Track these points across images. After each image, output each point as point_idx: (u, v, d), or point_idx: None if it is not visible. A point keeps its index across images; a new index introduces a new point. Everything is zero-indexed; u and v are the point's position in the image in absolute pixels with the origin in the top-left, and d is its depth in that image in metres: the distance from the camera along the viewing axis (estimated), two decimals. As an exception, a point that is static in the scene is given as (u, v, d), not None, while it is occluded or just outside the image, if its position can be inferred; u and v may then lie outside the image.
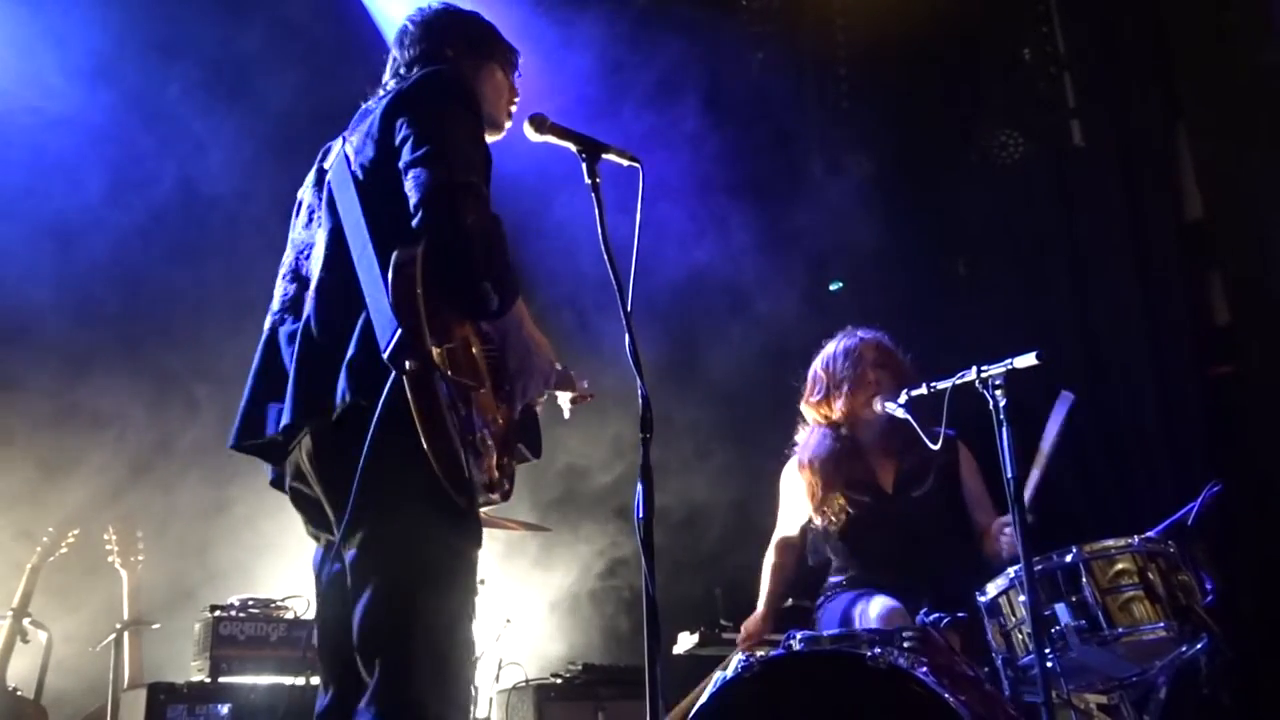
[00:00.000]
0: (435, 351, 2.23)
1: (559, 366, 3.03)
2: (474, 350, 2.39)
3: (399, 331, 2.20)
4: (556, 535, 5.48)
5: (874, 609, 3.70)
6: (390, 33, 2.94)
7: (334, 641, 2.44)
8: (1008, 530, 3.71)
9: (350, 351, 2.36)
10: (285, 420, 2.41)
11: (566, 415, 3.00)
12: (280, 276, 2.66)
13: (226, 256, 5.00)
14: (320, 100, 4.53)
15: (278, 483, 2.62)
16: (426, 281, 2.27)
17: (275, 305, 2.63)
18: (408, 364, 2.18)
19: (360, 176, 2.52)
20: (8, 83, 4.93)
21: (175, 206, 5.12)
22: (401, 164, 2.42)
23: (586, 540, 5.70)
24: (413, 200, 2.35)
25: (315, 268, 2.55)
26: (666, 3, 5.95)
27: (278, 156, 4.88)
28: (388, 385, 2.22)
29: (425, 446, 2.19)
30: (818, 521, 4.08)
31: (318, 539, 2.60)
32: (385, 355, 2.22)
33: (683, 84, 5.74)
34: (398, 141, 2.45)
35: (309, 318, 2.47)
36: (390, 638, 2.31)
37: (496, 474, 2.38)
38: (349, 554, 2.35)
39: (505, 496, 2.45)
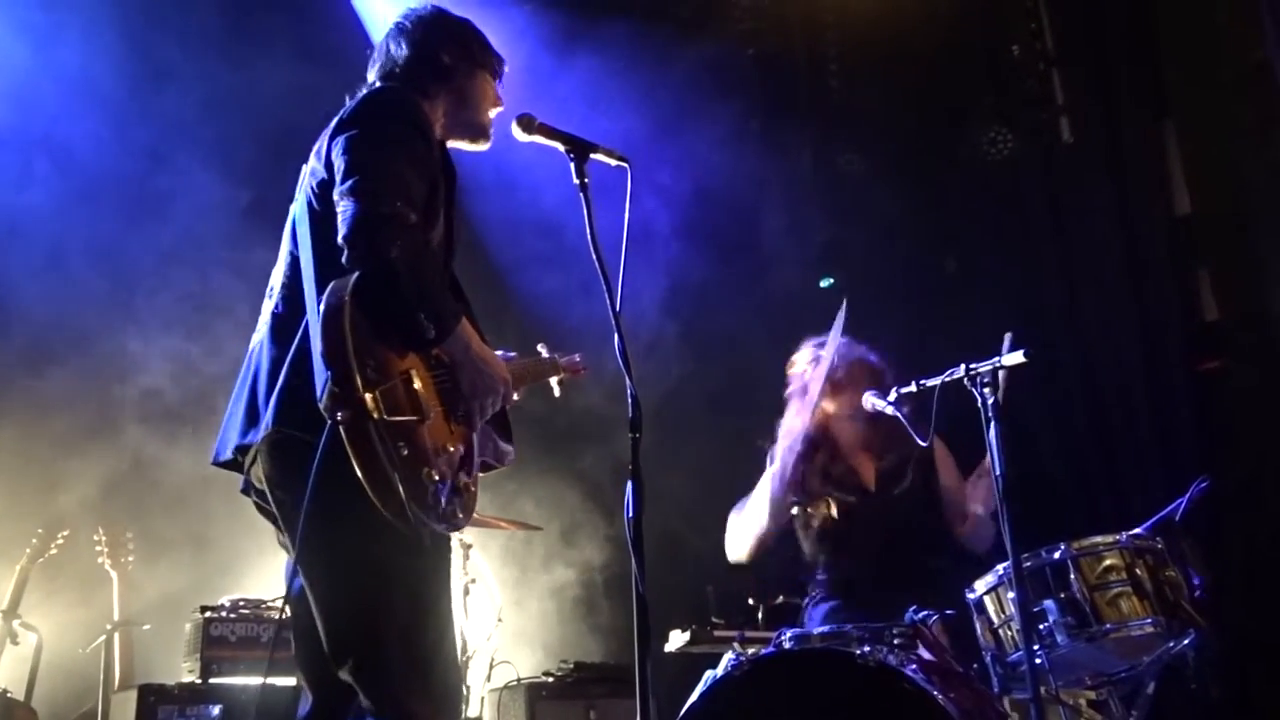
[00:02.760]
0: (369, 397, 2.23)
1: (545, 354, 3.07)
2: (416, 384, 2.36)
3: (328, 380, 2.22)
4: (547, 533, 5.49)
5: None
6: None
7: (309, 649, 2.49)
8: (981, 482, 3.81)
9: (280, 379, 2.40)
10: (234, 443, 2.48)
11: (557, 394, 3.01)
12: (265, 295, 2.67)
13: (223, 264, 4.99)
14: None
15: (247, 491, 2.65)
16: (360, 318, 2.27)
17: (258, 325, 2.65)
18: (339, 414, 2.20)
19: (314, 202, 2.54)
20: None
21: (176, 205, 5.10)
22: (335, 194, 2.41)
23: (577, 538, 5.71)
24: (340, 235, 2.34)
25: (275, 292, 2.58)
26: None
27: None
28: (322, 438, 2.24)
29: (365, 486, 2.22)
30: (800, 521, 4.11)
31: (287, 550, 2.63)
32: (320, 403, 2.23)
33: (672, 80, 5.74)
34: (336, 165, 2.45)
35: (263, 342, 2.52)
36: (359, 649, 2.35)
37: (444, 503, 2.35)
38: (303, 574, 2.41)
39: (457, 526, 2.43)
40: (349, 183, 2.38)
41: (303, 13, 5.43)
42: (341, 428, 2.21)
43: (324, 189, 2.50)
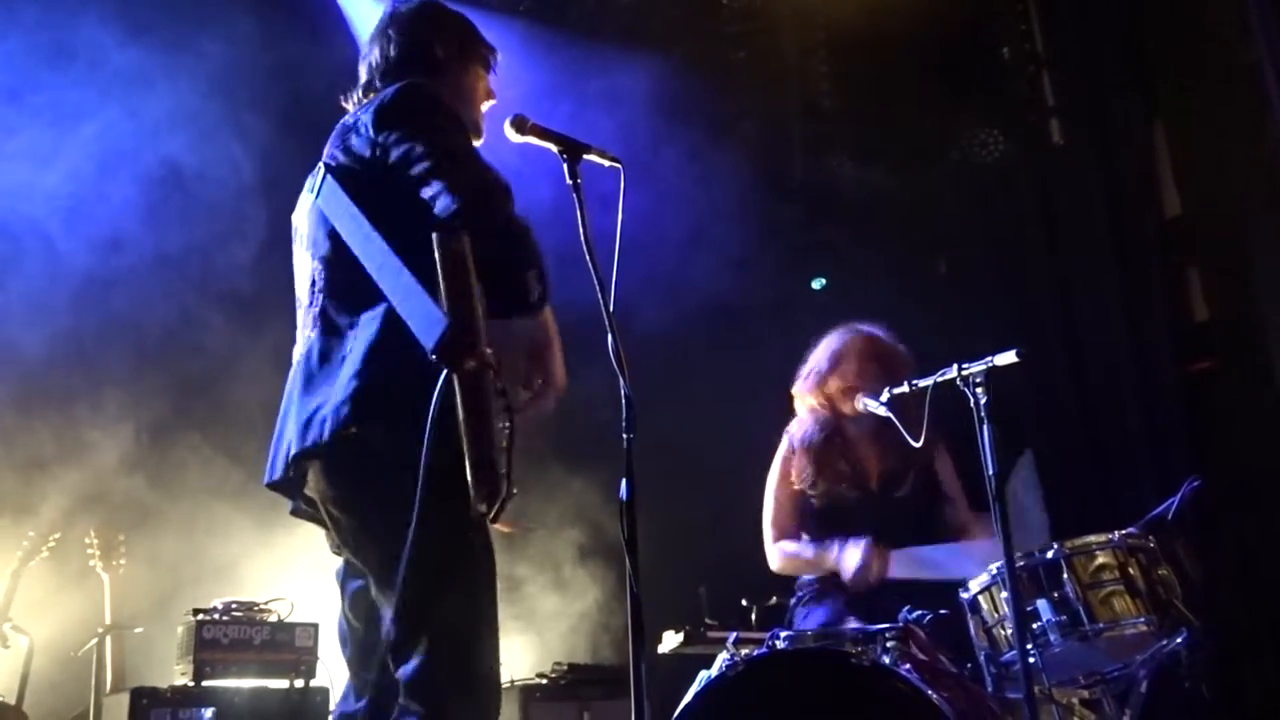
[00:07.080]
0: (489, 351, 2.07)
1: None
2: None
3: (450, 325, 2.05)
4: (541, 534, 5.48)
5: None
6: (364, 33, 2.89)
7: (361, 652, 2.47)
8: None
9: (355, 375, 2.27)
10: (292, 451, 2.37)
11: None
12: (299, 307, 2.59)
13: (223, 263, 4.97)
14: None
15: (299, 512, 2.59)
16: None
17: (297, 336, 2.57)
18: (467, 363, 2.02)
19: (354, 191, 2.44)
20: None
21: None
22: (413, 173, 2.34)
23: (571, 539, 5.70)
24: (442, 205, 2.27)
25: (314, 294, 2.50)
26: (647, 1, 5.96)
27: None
28: (435, 396, 2.08)
29: (468, 455, 2.04)
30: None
31: (340, 553, 2.59)
32: (435, 352, 2.06)
33: (661, 82, 5.75)
34: (394, 156, 2.38)
35: (311, 345, 2.44)
36: (416, 648, 2.30)
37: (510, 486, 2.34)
38: (381, 572, 2.34)
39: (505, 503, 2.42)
40: (430, 164, 2.32)
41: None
42: (460, 381, 2.02)
43: (370, 179, 2.42)
